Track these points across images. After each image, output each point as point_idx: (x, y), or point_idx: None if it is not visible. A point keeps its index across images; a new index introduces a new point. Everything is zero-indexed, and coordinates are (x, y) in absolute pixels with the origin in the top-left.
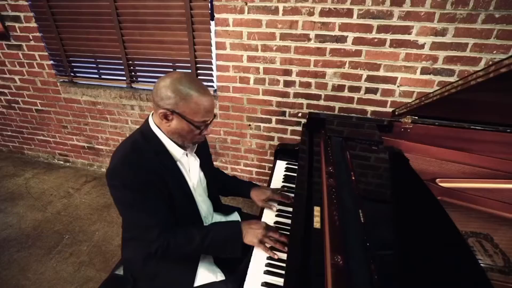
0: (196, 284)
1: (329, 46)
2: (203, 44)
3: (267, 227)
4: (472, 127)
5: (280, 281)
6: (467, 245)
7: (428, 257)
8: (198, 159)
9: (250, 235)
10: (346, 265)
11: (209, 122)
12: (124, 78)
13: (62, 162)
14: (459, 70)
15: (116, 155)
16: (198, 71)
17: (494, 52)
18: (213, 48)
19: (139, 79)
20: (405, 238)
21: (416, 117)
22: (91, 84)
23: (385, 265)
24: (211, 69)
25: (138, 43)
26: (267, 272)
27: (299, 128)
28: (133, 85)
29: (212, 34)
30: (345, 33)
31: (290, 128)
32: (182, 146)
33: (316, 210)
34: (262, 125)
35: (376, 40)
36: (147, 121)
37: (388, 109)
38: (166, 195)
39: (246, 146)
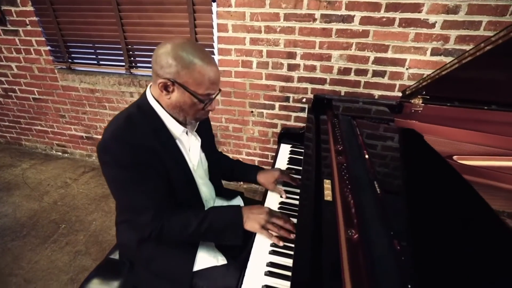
0: (196, 268)
1: (335, 26)
2: (204, 26)
3: (271, 212)
4: (485, 108)
5: (285, 261)
6: (499, 220)
7: (448, 228)
8: (199, 139)
9: (252, 220)
10: (362, 239)
11: (213, 96)
12: (123, 64)
13: (60, 153)
14: (462, 53)
15: (109, 128)
16: None
17: None
18: (215, 30)
19: (138, 64)
20: (426, 210)
21: (428, 97)
22: (89, 71)
23: (406, 238)
24: (212, 53)
25: (137, 26)
26: (272, 252)
27: (303, 115)
28: (132, 71)
29: (214, 16)
30: (352, 12)
31: (294, 114)
32: (182, 123)
33: (327, 183)
34: (265, 111)
35: (384, 19)
36: (144, 93)
37: (397, 93)
38: (163, 175)
39: (249, 134)
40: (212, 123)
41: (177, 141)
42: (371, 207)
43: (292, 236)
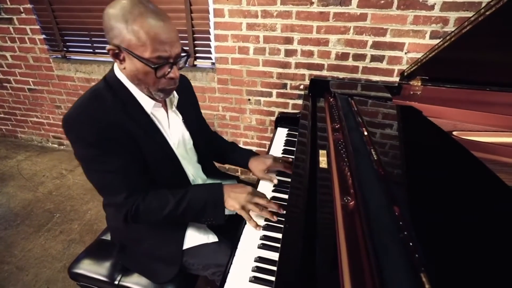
0: (186, 246)
1: (332, 10)
2: (200, 11)
3: (254, 192)
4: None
5: (279, 236)
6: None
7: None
8: (180, 116)
9: (232, 199)
10: (359, 205)
11: (171, 60)
12: None
13: (56, 145)
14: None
15: (73, 105)
16: (195, 42)
17: None
18: (211, 16)
19: None
20: (427, 179)
21: (427, 78)
22: (84, 60)
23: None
24: (209, 39)
25: None
26: (266, 227)
27: (301, 102)
28: None
29: (210, 1)
30: None
31: (291, 102)
32: (152, 97)
33: (322, 153)
34: (262, 99)
35: (382, 2)
36: (112, 68)
37: (395, 79)
38: (135, 152)
39: (246, 122)
40: (208, 111)
41: (152, 117)
42: (369, 176)
43: (275, 218)
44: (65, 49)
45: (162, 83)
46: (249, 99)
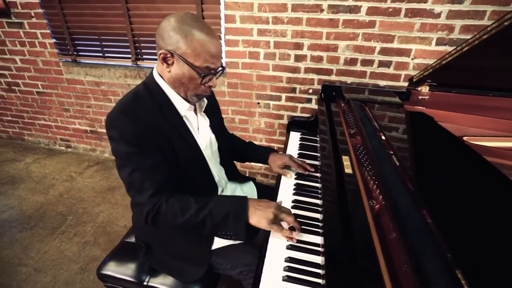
0: (214, 246)
1: (342, 17)
2: (212, 17)
3: (279, 207)
4: (490, 94)
5: (308, 237)
6: None
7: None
8: (208, 119)
9: (258, 215)
10: (387, 210)
11: (214, 71)
12: (129, 56)
13: (63, 148)
14: (468, 38)
15: (116, 105)
16: None
17: None
18: (222, 21)
19: (145, 56)
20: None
21: (434, 84)
22: (94, 64)
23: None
24: None
25: (144, 18)
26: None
27: (310, 106)
28: (139, 63)
29: (222, 7)
30: (359, 3)
31: (300, 105)
32: (187, 100)
33: (345, 159)
34: (271, 102)
35: (390, 9)
36: (151, 72)
37: (402, 83)
38: (168, 153)
39: (255, 125)
40: None
41: (185, 119)
42: (393, 180)
43: (294, 240)
44: (75, 53)
45: (201, 90)
46: (258, 103)
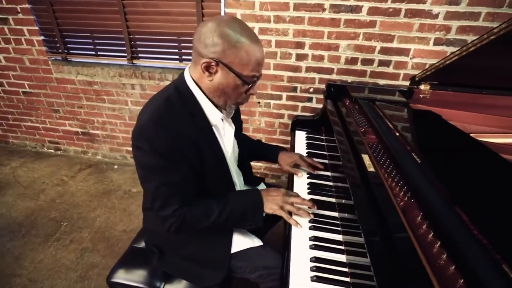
0: (233, 250)
1: (343, 16)
2: (212, 15)
3: (287, 193)
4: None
5: (326, 235)
6: None
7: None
8: (233, 126)
9: (270, 202)
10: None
11: (257, 79)
12: (125, 54)
13: (52, 151)
14: (471, 40)
15: (146, 111)
16: None
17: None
18: None
19: (140, 55)
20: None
21: (436, 83)
22: (87, 62)
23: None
24: None
25: (141, 15)
26: (313, 228)
27: (310, 105)
28: (135, 62)
29: (222, 5)
30: (360, 3)
31: (301, 104)
32: (221, 109)
33: (365, 157)
34: (272, 102)
35: (391, 10)
36: (182, 76)
37: (401, 82)
38: (197, 164)
39: (255, 125)
40: None
41: (214, 128)
42: (417, 175)
43: (312, 211)
44: (66, 51)
45: (242, 98)
46: (259, 102)
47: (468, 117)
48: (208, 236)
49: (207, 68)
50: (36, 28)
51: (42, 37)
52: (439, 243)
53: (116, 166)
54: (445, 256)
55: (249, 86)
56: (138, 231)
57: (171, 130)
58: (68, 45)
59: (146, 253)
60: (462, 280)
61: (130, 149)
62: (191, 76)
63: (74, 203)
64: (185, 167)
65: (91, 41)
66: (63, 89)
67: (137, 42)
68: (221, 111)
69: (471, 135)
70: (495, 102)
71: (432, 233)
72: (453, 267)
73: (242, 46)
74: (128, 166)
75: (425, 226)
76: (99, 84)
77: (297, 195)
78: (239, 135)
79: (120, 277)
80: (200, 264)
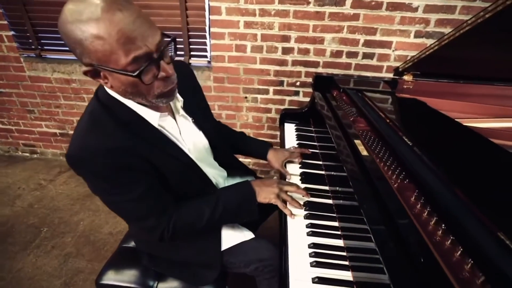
0: (225, 247)
1: (328, 10)
2: (196, 8)
3: (282, 182)
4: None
5: (324, 222)
6: None
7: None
8: (190, 118)
9: (265, 191)
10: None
11: (154, 55)
12: None
13: (27, 154)
14: (448, 32)
15: (73, 136)
16: (191, 40)
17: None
18: (207, 13)
19: None
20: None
21: (418, 73)
22: (64, 59)
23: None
24: (205, 37)
25: None
26: (309, 216)
27: (297, 98)
28: None
29: None
30: None
31: (288, 98)
32: (155, 107)
33: (358, 143)
34: (259, 96)
35: (373, 3)
36: (101, 86)
37: (384, 75)
38: (152, 173)
39: (242, 120)
40: None
41: (160, 129)
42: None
43: (307, 201)
44: (39, 47)
45: (158, 87)
46: (246, 97)
47: (448, 105)
48: (196, 237)
49: (94, 76)
50: (5, 22)
51: (12, 32)
52: (434, 219)
53: None
54: (440, 232)
55: (139, 73)
56: (126, 232)
57: (101, 149)
58: (42, 41)
59: (137, 252)
60: (460, 251)
61: None
62: None
63: (54, 208)
64: (140, 179)
65: None
66: (38, 88)
67: None
68: (157, 109)
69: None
70: (471, 90)
71: (426, 211)
72: (450, 240)
73: (91, 34)
74: None
75: (419, 205)
76: (78, 82)
77: (292, 184)
78: (204, 124)
79: (110, 278)
80: (193, 265)
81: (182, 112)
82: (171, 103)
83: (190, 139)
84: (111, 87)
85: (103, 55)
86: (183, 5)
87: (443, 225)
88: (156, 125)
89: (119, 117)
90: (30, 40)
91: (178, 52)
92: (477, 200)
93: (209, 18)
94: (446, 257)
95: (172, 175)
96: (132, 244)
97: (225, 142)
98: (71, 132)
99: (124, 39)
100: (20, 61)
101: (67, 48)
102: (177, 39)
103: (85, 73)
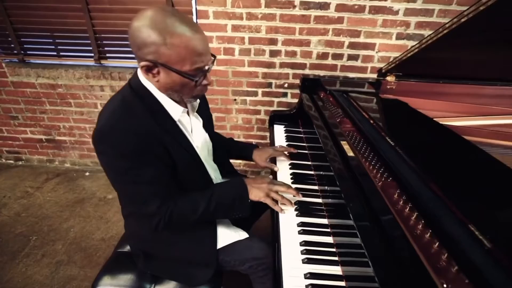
0: (220, 245)
1: (313, 13)
2: (184, 12)
3: (273, 181)
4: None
5: (314, 220)
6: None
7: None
8: (201, 119)
9: (256, 189)
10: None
11: (206, 68)
12: (91, 54)
13: (12, 161)
14: (428, 35)
15: (104, 114)
16: None
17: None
18: (195, 17)
19: (108, 55)
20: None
21: (400, 74)
22: (48, 64)
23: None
24: None
25: (108, 13)
26: (300, 215)
27: (286, 100)
28: (102, 62)
29: (193, 2)
30: (328, 0)
31: (276, 100)
32: (181, 103)
33: (344, 143)
34: (248, 98)
35: (356, 6)
36: (136, 75)
37: (369, 75)
38: (166, 160)
39: (232, 122)
40: None
41: (178, 123)
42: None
43: (296, 198)
44: (22, 52)
45: (196, 91)
46: (235, 99)
47: (429, 104)
48: (193, 235)
49: (148, 70)
50: None
51: None
52: (415, 214)
53: (87, 173)
54: (421, 226)
55: (197, 79)
56: (119, 237)
57: (130, 130)
58: (25, 46)
59: (132, 257)
60: (437, 244)
61: None
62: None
63: (43, 216)
64: (154, 163)
65: (52, 41)
66: (22, 94)
67: (104, 42)
68: (182, 105)
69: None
70: (449, 90)
71: (408, 207)
72: (429, 233)
73: (175, 41)
74: (101, 172)
75: (405, 201)
76: (64, 87)
77: (283, 184)
78: (209, 128)
79: (106, 283)
80: (188, 263)
81: (195, 113)
82: (190, 104)
83: (199, 138)
84: (157, 81)
85: (173, 59)
86: None
87: (422, 220)
88: (176, 118)
89: (146, 105)
90: (13, 45)
91: None
92: (451, 195)
93: (196, 22)
94: (425, 248)
95: (181, 166)
96: (127, 248)
97: (222, 148)
98: (58, 137)
99: (194, 54)
100: (2, 66)
101: (51, 53)
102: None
103: (142, 66)
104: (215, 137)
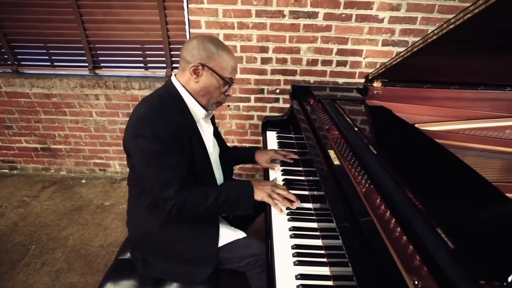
0: (220, 244)
1: (302, 22)
2: (176, 23)
3: (275, 185)
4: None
5: (304, 224)
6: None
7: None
8: (212, 126)
9: (260, 190)
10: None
11: (232, 82)
12: (86, 64)
13: (7, 171)
14: (411, 41)
15: (142, 107)
16: (172, 53)
17: (437, 24)
18: (187, 27)
19: (102, 64)
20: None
21: (386, 80)
22: (42, 74)
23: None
24: None
25: (101, 24)
26: (292, 220)
27: (278, 105)
28: (97, 72)
29: (186, 13)
30: (316, 9)
31: (269, 105)
32: (204, 108)
33: (331, 152)
34: (241, 104)
35: (343, 15)
36: (169, 81)
37: (357, 80)
38: (188, 154)
39: (226, 128)
40: None
41: (198, 125)
42: (374, 165)
43: (295, 205)
44: (16, 63)
45: (221, 98)
46: (228, 105)
47: (413, 109)
48: (196, 232)
49: (195, 71)
50: None
51: None
52: (394, 219)
53: (84, 181)
54: (399, 229)
55: (228, 86)
56: (117, 243)
57: (168, 118)
58: (19, 56)
59: (132, 263)
60: (411, 247)
61: (99, 161)
62: (178, 81)
63: (41, 224)
64: (181, 152)
65: (45, 51)
66: (16, 104)
67: (98, 52)
68: (205, 109)
69: (416, 125)
70: (433, 94)
71: (389, 212)
72: (405, 237)
73: (221, 54)
74: (97, 179)
75: (383, 206)
76: (58, 96)
77: (284, 188)
78: (217, 136)
79: None
80: (189, 262)
81: (208, 120)
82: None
83: (210, 142)
84: (197, 82)
85: (219, 66)
86: (163, 20)
87: (399, 224)
88: (198, 119)
89: (177, 104)
90: (6, 56)
91: (160, 64)
92: (423, 200)
93: (189, 31)
94: (401, 250)
95: (197, 163)
96: (128, 255)
97: (227, 155)
98: (54, 146)
99: (232, 68)
100: None
101: (45, 63)
102: (159, 52)
103: (192, 67)
104: (222, 145)
